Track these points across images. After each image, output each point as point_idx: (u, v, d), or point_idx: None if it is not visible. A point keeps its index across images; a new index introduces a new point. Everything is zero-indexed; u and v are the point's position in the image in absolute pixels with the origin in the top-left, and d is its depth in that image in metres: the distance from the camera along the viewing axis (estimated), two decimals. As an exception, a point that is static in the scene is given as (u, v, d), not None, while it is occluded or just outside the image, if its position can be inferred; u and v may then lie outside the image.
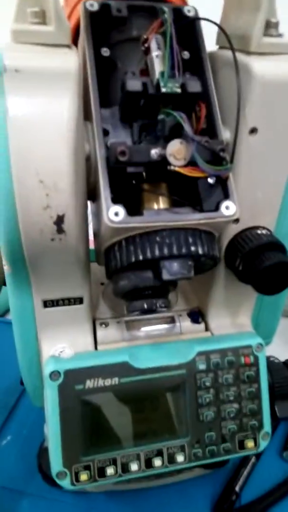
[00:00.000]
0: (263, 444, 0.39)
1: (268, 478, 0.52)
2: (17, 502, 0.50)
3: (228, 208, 0.30)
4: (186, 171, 0.27)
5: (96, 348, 0.38)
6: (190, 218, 0.29)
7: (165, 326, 0.41)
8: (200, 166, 0.27)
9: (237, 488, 0.49)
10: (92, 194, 0.32)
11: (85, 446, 0.35)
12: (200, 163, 0.27)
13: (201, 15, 0.32)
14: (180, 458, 0.37)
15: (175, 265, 0.30)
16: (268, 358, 0.44)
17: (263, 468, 0.53)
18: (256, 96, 0.30)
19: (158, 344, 0.38)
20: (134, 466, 0.36)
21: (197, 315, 0.42)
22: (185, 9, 0.32)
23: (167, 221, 0.29)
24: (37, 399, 0.40)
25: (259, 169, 0.34)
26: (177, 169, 0.27)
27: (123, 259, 0.30)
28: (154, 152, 0.28)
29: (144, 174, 0.30)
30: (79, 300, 0.36)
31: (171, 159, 0.27)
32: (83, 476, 0.34)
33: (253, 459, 0.52)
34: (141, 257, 0.29)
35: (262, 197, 0.35)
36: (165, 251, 0.29)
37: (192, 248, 0.29)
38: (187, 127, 0.27)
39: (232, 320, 0.42)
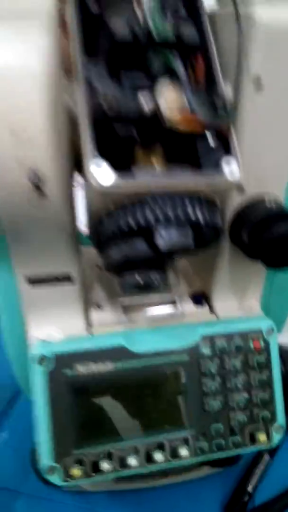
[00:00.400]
0: (276, 437, 0.35)
1: (284, 477, 0.48)
2: (14, 502, 0.47)
3: (231, 169, 0.26)
4: (183, 124, 0.24)
5: (89, 331, 0.35)
6: (187, 180, 0.26)
7: (165, 309, 0.38)
8: (197, 115, 0.24)
9: (249, 488, 0.45)
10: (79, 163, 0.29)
11: (77, 438, 0.32)
12: (197, 110, 0.24)
13: None
14: (183, 452, 0.33)
15: (172, 233, 0.26)
16: (279, 345, 0.40)
17: (278, 466, 0.49)
18: (260, 47, 0.26)
19: (158, 327, 0.35)
20: (132, 461, 0.32)
21: (200, 297, 0.39)
22: None
23: (161, 183, 0.26)
24: (29, 389, 0.37)
25: (266, 130, 0.30)
26: (172, 123, 0.24)
27: (113, 227, 0.27)
28: (145, 101, 0.25)
29: (135, 134, 0.27)
30: (67, 278, 0.33)
31: (165, 111, 0.24)
32: (76, 471, 0.31)
33: (266, 457, 0.48)
34: (133, 224, 0.26)
35: (270, 163, 0.32)
36: (161, 216, 0.26)
37: (191, 214, 0.26)
38: (179, 68, 0.24)
39: (240, 303, 0.38)
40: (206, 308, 0.38)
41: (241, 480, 0.47)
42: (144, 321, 0.36)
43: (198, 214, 0.27)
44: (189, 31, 0.27)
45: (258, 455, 0.49)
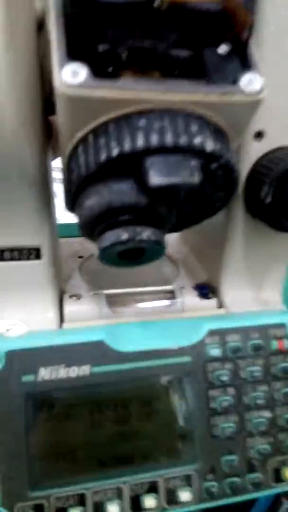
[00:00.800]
0: (310, 474, 0.26)
1: None
2: None
3: (251, 81, 0.19)
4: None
5: (61, 325, 0.27)
6: (191, 92, 0.19)
7: (162, 302, 0.29)
8: None
9: None
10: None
11: (36, 474, 0.22)
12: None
13: None
14: (184, 495, 0.24)
15: (170, 163, 0.19)
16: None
17: None
18: None
19: (150, 322, 0.27)
20: (112, 508, 0.23)
21: (206, 288, 0.31)
22: None
23: (157, 92, 0.18)
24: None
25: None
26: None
27: (90, 160, 0.19)
28: None
29: (123, 55, 0.20)
30: (35, 253, 0.25)
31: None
32: (31, 523, 0.22)
33: (287, 504, 0.38)
34: (115, 152, 0.18)
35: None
36: (154, 139, 0.18)
37: (196, 139, 0.19)
38: None
39: (255, 294, 0.30)
40: (213, 302, 0.30)
41: None
42: (133, 316, 0.27)
43: (206, 140, 0.19)
44: None
45: (277, 500, 0.39)
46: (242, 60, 0.20)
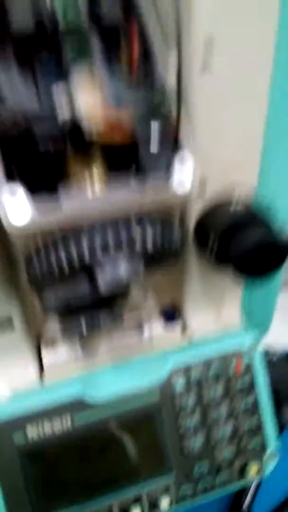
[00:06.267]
0: (269, 466, 0.31)
1: (278, 490, 0.44)
2: None
3: (182, 182, 0.20)
4: (109, 136, 0.18)
5: (42, 376, 0.29)
6: (129, 201, 0.20)
7: (130, 336, 0.32)
8: (124, 123, 0.17)
9: (244, 507, 0.42)
10: None
11: (37, 506, 0.27)
12: (125, 114, 0.17)
13: None
14: (165, 501, 0.29)
15: (116, 269, 0.20)
16: (267, 352, 0.35)
17: (271, 478, 0.45)
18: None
19: (122, 364, 0.30)
20: (107, 521, 0.28)
21: (172, 313, 0.33)
22: None
23: (97, 209, 0.20)
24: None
25: (224, 112, 0.24)
26: (97, 138, 0.18)
27: (44, 270, 0.21)
28: (61, 106, 0.18)
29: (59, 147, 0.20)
30: (7, 323, 0.27)
31: (80, 118, 0.17)
32: None
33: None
34: (66, 262, 0.20)
35: (234, 150, 0.25)
36: (98, 251, 0.20)
37: (137, 243, 0.20)
38: (95, 51, 0.17)
39: (216, 314, 0.33)
40: (178, 327, 0.33)
41: (234, 500, 0.43)
42: (105, 356, 0.30)
43: (147, 240, 0.21)
44: (107, 9, 0.20)
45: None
46: (173, 148, 0.21)
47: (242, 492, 0.41)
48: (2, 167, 0.19)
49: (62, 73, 0.20)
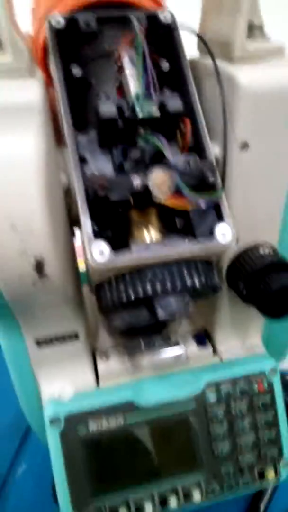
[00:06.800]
0: (284, 472, 0.36)
1: None
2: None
3: (224, 234, 0.27)
4: (172, 203, 0.25)
5: (98, 382, 0.36)
6: (182, 250, 0.27)
7: (169, 352, 0.39)
8: (187, 196, 0.25)
9: (261, 506, 0.46)
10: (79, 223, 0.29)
11: (95, 489, 0.33)
12: (186, 193, 0.24)
13: (179, 18, 0.29)
14: (196, 495, 0.34)
15: (171, 302, 0.27)
16: (283, 376, 0.41)
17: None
18: (244, 109, 0.27)
19: (164, 376, 0.36)
20: (148, 507, 0.34)
21: (203, 338, 0.40)
22: (161, 15, 0.29)
23: (157, 255, 0.27)
24: (44, 437, 0.38)
25: (255, 186, 0.31)
26: (162, 201, 0.25)
27: (114, 298, 0.27)
28: (136, 184, 0.25)
29: (131, 200, 0.28)
30: (74, 336, 0.34)
31: (155, 191, 0.25)
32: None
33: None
34: (132, 297, 0.27)
35: (262, 215, 0.32)
36: (158, 288, 0.27)
37: (188, 282, 0.27)
38: (168, 154, 0.24)
39: (242, 342, 0.39)
40: (209, 350, 0.39)
41: (252, 499, 0.48)
42: (150, 368, 0.37)
43: (195, 280, 0.27)
44: (173, 102, 0.27)
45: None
46: (217, 212, 0.28)
47: (260, 493, 0.45)
48: (91, 227, 0.26)
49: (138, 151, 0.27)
